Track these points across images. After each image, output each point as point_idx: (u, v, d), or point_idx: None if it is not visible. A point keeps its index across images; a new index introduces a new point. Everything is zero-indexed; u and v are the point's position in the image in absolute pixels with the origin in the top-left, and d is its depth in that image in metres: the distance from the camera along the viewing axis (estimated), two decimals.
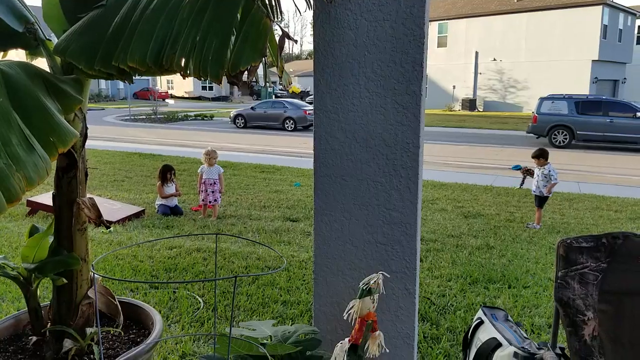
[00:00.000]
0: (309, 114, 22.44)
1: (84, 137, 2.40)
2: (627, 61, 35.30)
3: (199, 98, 54.23)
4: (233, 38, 1.68)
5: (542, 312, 3.99)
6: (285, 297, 4.24)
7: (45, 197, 6.94)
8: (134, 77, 2.02)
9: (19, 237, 5.79)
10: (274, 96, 40.65)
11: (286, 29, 1.87)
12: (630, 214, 7.65)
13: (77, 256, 2.41)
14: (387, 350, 2.26)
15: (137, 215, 7.01)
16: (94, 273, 1.69)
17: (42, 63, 2.20)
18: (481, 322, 2.51)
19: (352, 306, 2.15)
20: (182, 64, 1.72)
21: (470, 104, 35.81)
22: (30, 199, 7.00)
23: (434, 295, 4.34)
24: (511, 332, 2.33)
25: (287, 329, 2.31)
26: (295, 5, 2.01)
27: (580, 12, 31.51)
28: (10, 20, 2.16)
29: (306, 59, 77.46)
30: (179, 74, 1.79)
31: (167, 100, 50.08)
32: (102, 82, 47.66)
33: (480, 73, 36.05)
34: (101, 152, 13.98)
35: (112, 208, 6.96)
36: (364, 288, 2.12)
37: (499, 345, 2.26)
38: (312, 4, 2.17)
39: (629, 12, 34.86)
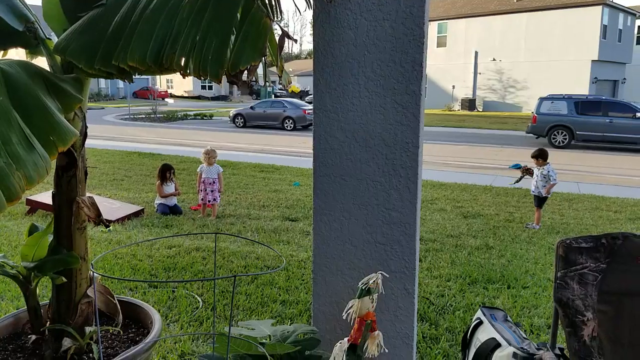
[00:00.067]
0: (308, 113, 22.44)
1: (84, 136, 2.40)
2: (626, 61, 35.32)
3: (199, 97, 54.23)
4: (233, 37, 1.69)
5: (541, 313, 4.00)
6: (284, 296, 4.24)
7: (45, 196, 6.93)
8: (133, 77, 2.02)
9: (18, 235, 5.79)
10: (273, 96, 40.65)
11: (286, 29, 1.87)
12: (629, 215, 7.66)
13: (76, 255, 2.42)
14: (386, 350, 2.26)
15: (137, 214, 7.01)
16: (93, 272, 1.69)
17: (42, 62, 2.20)
18: (480, 323, 2.51)
19: (351, 306, 2.15)
20: (182, 64, 1.72)
21: (469, 103, 35.82)
22: (29, 197, 7.00)
23: (433, 295, 4.34)
24: (510, 333, 2.33)
25: (286, 328, 2.31)
26: (295, 4, 2.01)
27: (580, 12, 31.52)
28: (10, 19, 2.16)
29: (305, 58, 77.45)
30: (178, 74, 1.79)
31: (166, 99, 50.09)
32: (102, 81, 47.64)
33: (480, 73, 36.06)
34: (101, 151, 13.97)
35: (111, 207, 6.96)
36: (363, 288, 2.12)
37: (498, 345, 2.27)
38: (311, 3, 2.17)
39: (628, 12, 34.88)
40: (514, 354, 2.15)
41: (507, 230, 6.60)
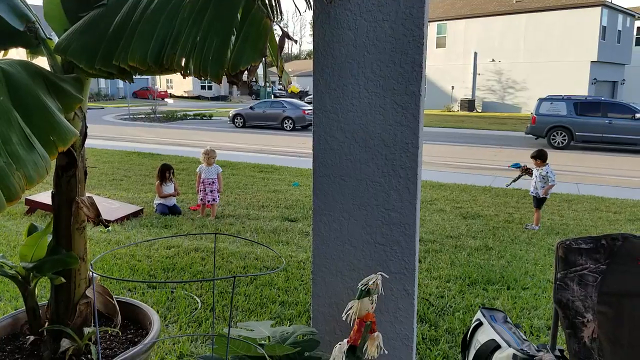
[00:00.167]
0: (307, 113, 22.44)
1: (84, 136, 2.39)
2: (626, 62, 35.36)
3: (198, 97, 54.23)
4: (233, 38, 1.69)
5: (541, 314, 3.99)
6: (283, 297, 4.24)
7: (44, 196, 6.93)
8: (134, 77, 2.02)
9: (17, 235, 5.78)
10: (272, 96, 40.65)
11: (285, 29, 1.87)
12: (629, 216, 7.66)
13: (75, 255, 2.41)
14: (386, 352, 2.25)
15: (136, 214, 7.01)
16: (92, 272, 1.69)
17: (42, 62, 2.19)
18: (480, 324, 2.51)
19: (351, 307, 2.14)
20: (183, 64, 1.72)
21: (469, 104, 35.84)
22: (28, 197, 6.99)
23: (432, 296, 4.34)
24: (510, 334, 2.33)
25: (285, 329, 2.30)
26: (295, 5, 2.01)
27: (579, 13, 31.55)
28: (11, 19, 2.16)
29: (305, 59, 77.47)
30: (179, 74, 1.79)
31: (166, 99, 50.09)
32: (102, 81, 47.64)
33: (479, 74, 36.08)
34: (100, 151, 13.97)
35: (110, 207, 6.95)
36: (363, 289, 2.12)
37: (498, 347, 2.26)
38: (311, 4, 2.17)
39: (628, 13, 34.92)
40: (514, 356, 2.15)
41: (507, 231, 6.61)
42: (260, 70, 1.80)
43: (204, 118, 29.91)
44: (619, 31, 34.07)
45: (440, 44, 37.29)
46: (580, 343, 1.99)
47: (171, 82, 58.26)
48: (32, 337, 2.51)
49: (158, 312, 3.71)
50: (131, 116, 29.23)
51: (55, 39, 2.17)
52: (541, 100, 18.64)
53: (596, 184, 10.76)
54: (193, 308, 4.00)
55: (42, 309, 2.59)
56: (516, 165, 7.63)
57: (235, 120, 24.81)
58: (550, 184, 6.78)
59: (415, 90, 2.21)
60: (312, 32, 2.35)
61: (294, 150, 15.65)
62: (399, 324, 2.38)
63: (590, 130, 17.18)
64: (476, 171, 12.21)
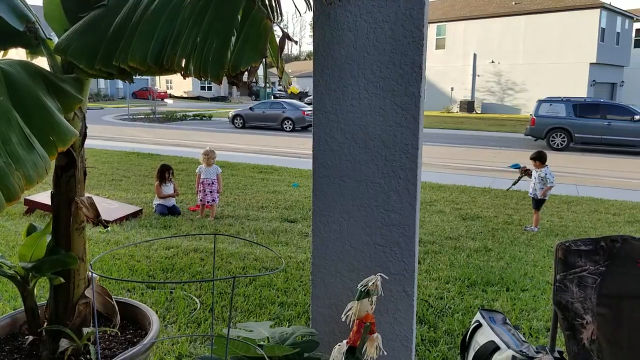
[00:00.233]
0: (307, 114, 22.45)
1: (83, 136, 2.39)
2: (624, 64, 35.41)
3: (198, 98, 54.23)
4: (233, 39, 1.69)
5: (541, 316, 4.00)
6: (282, 298, 4.24)
7: (43, 196, 6.92)
8: (133, 77, 2.02)
9: (15, 235, 5.78)
10: (272, 97, 40.65)
11: (285, 30, 1.87)
12: (628, 217, 7.67)
13: (74, 255, 2.41)
14: (385, 353, 2.25)
15: (135, 214, 7.00)
16: (92, 272, 1.69)
17: (42, 62, 2.19)
18: (479, 325, 2.50)
19: (350, 308, 2.14)
20: (183, 65, 1.72)
21: (468, 105, 35.86)
22: (27, 197, 6.98)
23: (431, 297, 4.34)
24: (509, 336, 2.33)
25: (284, 330, 2.30)
26: (295, 6, 2.01)
27: (578, 15, 31.60)
28: (11, 19, 2.16)
29: (305, 60, 77.50)
30: (179, 74, 1.79)
31: (165, 100, 50.08)
32: (101, 82, 47.62)
33: (479, 75, 36.12)
34: (99, 151, 13.96)
35: (109, 207, 6.95)
36: (362, 290, 2.12)
37: (497, 348, 2.26)
38: (312, 5, 2.17)
39: (626, 15, 34.97)
40: (513, 357, 2.15)
41: (506, 233, 6.61)
42: (260, 71, 1.80)
43: (204, 119, 29.90)
44: (618, 33, 34.13)
45: (440, 45, 37.32)
46: (579, 345, 1.99)
47: (171, 83, 58.26)
48: (31, 337, 2.50)
49: (157, 313, 3.70)
50: (130, 116, 29.22)
51: (55, 40, 2.17)
52: (540, 101, 18.67)
53: (595, 185, 10.77)
54: (192, 309, 4.00)
55: (41, 309, 2.59)
56: (515, 166, 7.64)
57: (235, 121, 24.81)
58: (549, 185, 6.79)
59: (415, 91, 2.22)
60: (312, 33, 2.35)
61: (294, 151, 15.65)
62: (398, 325, 2.38)
63: (590, 132, 17.20)
64: (475, 172, 12.22)
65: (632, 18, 35.81)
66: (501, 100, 35.73)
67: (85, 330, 2.47)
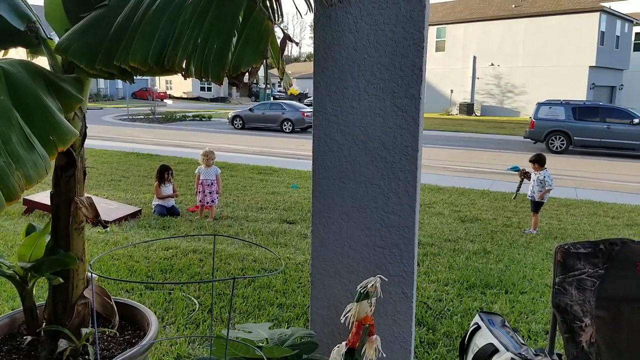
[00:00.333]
0: (307, 116, 22.45)
1: (83, 136, 2.39)
2: (624, 68, 35.47)
3: (197, 99, 54.22)
4: (234, 40, 1.69)
5: (539, 318, 4.00)
6: (281, 299, 4.24)
7: (42, 196, 6.91)
8: (134, 77, 2.02)
9: (14, 235, 5.77)
10: (272, 98, 40.68)
11: (286, 31, 1.87)
12: (627, 220, 7.67)
13: (73, 256, 2.41)
14: (384, 355, 2.25)
15: (134, 215, 7.00)
16: (91, 273, 1.68)
17: (43, 62, 2.19)
18: (478, 328, 2.50)
19: (349, 309, 2.14)
20: (184, 65, 1.72)
21: (467, 108, 35.89)
22: (26, 197, 6.97)
23: (430, 299, 4.34)
24: (508, 338, 2.33)
25: (283, 331, 2.30)
26: (296, 7, 2.01)
27: (578, 19, 31.65)
28: (12, 18, 2.16)
29: (305, 61, 77.56)
30: (179, 75, 1.79)
31: (165, 100, 50.08)
32: (101, 82, 47.60)
33: (478, 78, 36.16)
34: (99, 151, 13.95)
35: (108, 208, 6.94)
36: (362, 291, 2.12)
37: (496, 351, 2.26)
38: (312, 6, 2.17)
39: (626, 19, 35.03)
40: None
41: (505, 235, 6.61)
42: (261, 72, 1.80)
43: (203, 119, 29.90)
44: (618, 36, 34.19)
45: (440, 47, 37.36)
46: (578, 348, 1.99)
47: (170, 83, 58.24)
48: (29, 338, 2.50)
49: (156, 313, 3.70)
50: (130, 117, 29.20)
51: (56, 39, 2.17)
52: (540, 104, 18.69)
53: (594, 188, 10.78)
54: (191, 309, 3.99)
55: (40, 309, 2.59)
56: (515, 169, 7.64)
57: (235, 121, 24.81)
58: (547, 188, 6.79)
59: (415, 93, 2.22)
60: (312, 35, 2.35)
61: (293, 152, 15.65)
62: (398, 327, 2.37)
63: (589, 135, 17.22)
64: (475, 175, 12.23)
65: (631, 22, 35.87)
66: (500, 103, 35.77)
67: (84, 330, 2.47)
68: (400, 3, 2.17)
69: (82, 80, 2.16)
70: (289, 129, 23.09)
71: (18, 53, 2.34)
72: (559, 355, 2.18)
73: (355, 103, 2.30)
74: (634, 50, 37.00)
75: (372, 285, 2.12)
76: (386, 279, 2.30)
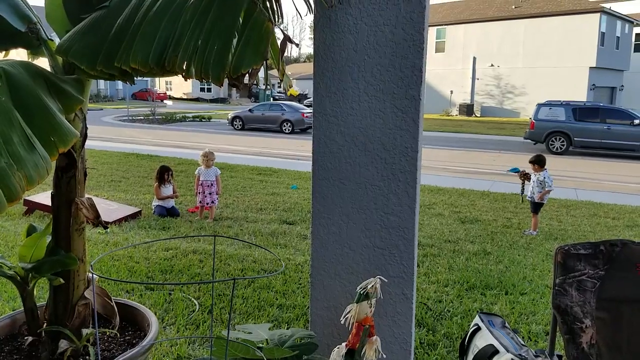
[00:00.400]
0: (306, 116, 22.46)
1: (84, 137, 2.39)
2: (624, 68, 35.48)
3: (197, 99, 54.23)
4: (235, 41, 1.69)
5: (540, 320, 4.00)
6: (281, 300, 4.24)
7: (42, 197, 6.92)
8: (134, 78, 2.02)
9: (15, 236, 5.77)
10: (272, 99, 40.67)
11: (286, 32, 1.88)
12: (627, 222, 7.67)
13: (74, 256, 2.41)
14: (384, 356, 2.26)
15: (134, 216, 7.00)
16: (92, 273, 1.69)
17: (43, 63, 2.20)
18: (478, 329, 2.51)
19: (349, 310, 2.15)
20: (185, 66, 1.72)
21: (467, 109, 35.90)
22: (27, 198, 6.97)
23: (430, 300, 4.34)
24: (508, 339, 2.33)
25: (283, 332, 2.30)
26: (296, 8, 2.01)
27: (578, 20, 31.66)
28: (12, 19, 2.16)
29: (304, 62, 77.59)
30: (179, 76, 1.79)
31: (165, 101, 50.08)
32: (101, 83, 47.61)
33: (478, 78, 36.16)
34: (99, 152, 13.95)
35: (108, 208, 6.94)
36: (362, 292, 2.12)
37: (496, 352, 2.27)
38: (312, 7, 2.18)
39: (626, 20, 35.05)
40: None
41: (505, 236, 6.61)
42: (261, 73, 1.81)
43: (203, 120, 29.91)
44: (618, 37, 34.19)
45: (440, 48, 37.36)
46: (578, 349, 1.99)
47: (170, 84, 58.24)
48: (30, 338, 2.50)
49: (156, 314, 3.70)
50: (130, 117, 29.20)
51: (57, 40, 2.17)
52: (540, 105, 18.69)
53: (594, 189, 10.78)
54: (191, 310, 4.00)
55: (41, 310, 2.59)
56: (515, 170, 7.64)
57: (234, 122, 24.81)
58: (547, 189, 6.79)
59: (415, 94, 2.22)
60: (312, 36, 2.35)
61: (293, 153, 15.65)
62: (398, 328, 2.38)
63: (589, 136, 17.22)
64: (475, 176, 12.23)
65: (632, 22, 35.89)
66: (500, 104, 35.78)
67: (85, 331, 2.47)
68: (400, 4, 2.18)
69: (82, 81, 2.17)
70: (288, 130, 23.09)
71: (19, 54, 2.35)
72: (560, 357, 2.18)
73: (355, 104, 2.31)
74: (634, 51, 37.01)
75: (372, 286, 2.12)
76: (386, 280, 2.30)
